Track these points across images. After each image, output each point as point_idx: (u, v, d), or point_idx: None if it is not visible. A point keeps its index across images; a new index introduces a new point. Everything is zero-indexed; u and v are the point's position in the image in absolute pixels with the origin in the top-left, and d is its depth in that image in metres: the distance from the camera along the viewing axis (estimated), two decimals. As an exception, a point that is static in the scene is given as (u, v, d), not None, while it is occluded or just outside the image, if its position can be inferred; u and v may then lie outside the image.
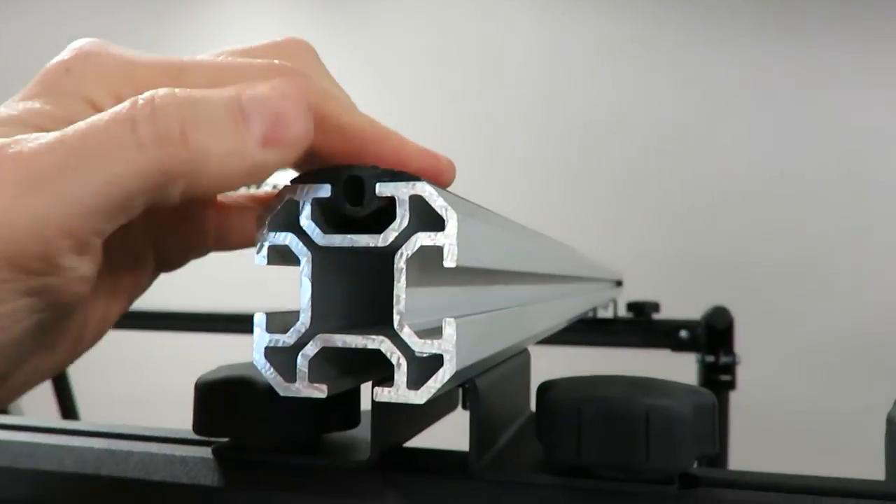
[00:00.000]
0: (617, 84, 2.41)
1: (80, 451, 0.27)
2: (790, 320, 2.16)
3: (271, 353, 0.18)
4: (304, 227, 0.18)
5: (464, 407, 0.27)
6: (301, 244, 0.18)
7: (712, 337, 1.15)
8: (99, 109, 0.17)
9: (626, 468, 0.21)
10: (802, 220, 2.23)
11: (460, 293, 0.20)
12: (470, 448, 0.23)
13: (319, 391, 0.18)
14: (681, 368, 1.38)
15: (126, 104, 0.16)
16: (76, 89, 0.18)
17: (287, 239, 0.18)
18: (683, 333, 1.20)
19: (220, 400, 0.25)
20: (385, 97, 2.47)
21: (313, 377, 0.18)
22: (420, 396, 0.17)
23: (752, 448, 1.37)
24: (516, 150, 2.46)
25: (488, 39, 2.53)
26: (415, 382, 0.17)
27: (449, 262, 0.17)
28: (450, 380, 0.17)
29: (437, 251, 0.17)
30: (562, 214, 2.38)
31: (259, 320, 0.18)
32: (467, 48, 2.54)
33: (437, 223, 0.17)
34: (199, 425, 0.26)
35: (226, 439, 0.26)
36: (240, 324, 1.09)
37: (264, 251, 0.18)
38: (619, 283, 1.23)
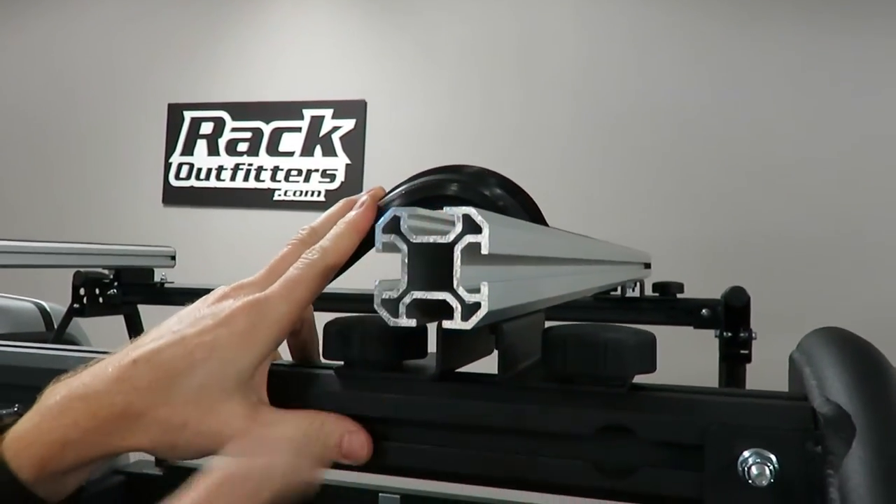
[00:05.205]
0: (648, 71, 2.49)
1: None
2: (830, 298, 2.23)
3: (384, 301, 0.32)
4: (403, 231, 0.31)
5: (496, 348, 0.40)
6: (402, 241, 0.32)
7: (730, 315, 1.26)
8: None
9: (593, 376, 0.34)
10: (835, 203, 2.29)
11: (493, 269, 0.34)
12: (498, 367, 0.37)
13: (411, 323, 0.32)
14: (703, 344, 1.49)
15: None
16: None
17: (392, 238, 0.32)
18: (705, 312, 1.31)
19: (341, 337, 0.39)
20: (431, 88, 2.60)
21: (408, 315, 0.32)
22: (469, 325, 0.31)
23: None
24: (553, 139, 2.57)
25: (526, 29, 2.63)
26: (465, 318, 0.31)
27: (484, 251, 0.30)
28: (484, 317, 0.31)
29: (478, 245, 0.30)
30: (597, 200, 2.48)
31: (377, 284, 0.32)
32: (508, 40, 2.65)
33: (478, 229, 0.30)
34: (325, 353, 0.40)
35: (342, 363, 0.40)
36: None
37: (380, 244, 0.32)
38: (647, 266, 1.35)
